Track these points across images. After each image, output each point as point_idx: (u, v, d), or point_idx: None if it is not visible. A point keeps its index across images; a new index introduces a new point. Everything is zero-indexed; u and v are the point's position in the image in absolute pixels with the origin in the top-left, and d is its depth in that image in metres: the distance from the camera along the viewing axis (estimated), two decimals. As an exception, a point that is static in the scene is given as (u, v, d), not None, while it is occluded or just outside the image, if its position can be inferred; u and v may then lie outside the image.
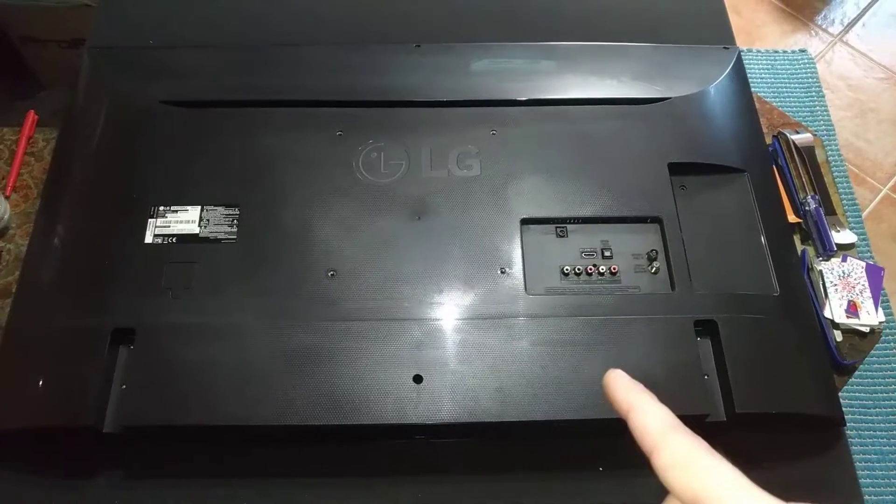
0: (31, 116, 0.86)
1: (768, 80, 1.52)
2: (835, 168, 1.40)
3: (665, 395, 0.62)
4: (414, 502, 0.63)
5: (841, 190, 1.41)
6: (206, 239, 0.68)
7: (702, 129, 0.79)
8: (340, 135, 0.74)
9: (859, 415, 1.33)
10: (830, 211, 0.82)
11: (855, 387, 1.35)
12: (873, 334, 0.77)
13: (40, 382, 0.60)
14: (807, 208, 0.82)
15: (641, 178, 0.74)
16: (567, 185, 0.73)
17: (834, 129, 1.47)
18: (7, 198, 0.79)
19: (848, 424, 0.67)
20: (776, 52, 1.61)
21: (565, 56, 0.83)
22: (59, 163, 0.76)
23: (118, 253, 0.67)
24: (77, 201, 0.71)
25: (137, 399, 0.60)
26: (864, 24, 1.69)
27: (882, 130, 1.51)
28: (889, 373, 1.37)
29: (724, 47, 0.87)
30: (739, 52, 0.86)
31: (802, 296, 0.73)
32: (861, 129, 1.50)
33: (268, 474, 0.63)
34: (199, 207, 0.70)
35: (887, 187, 1.46)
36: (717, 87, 0.81)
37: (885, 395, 1.36)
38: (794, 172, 0.84)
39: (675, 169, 0.74)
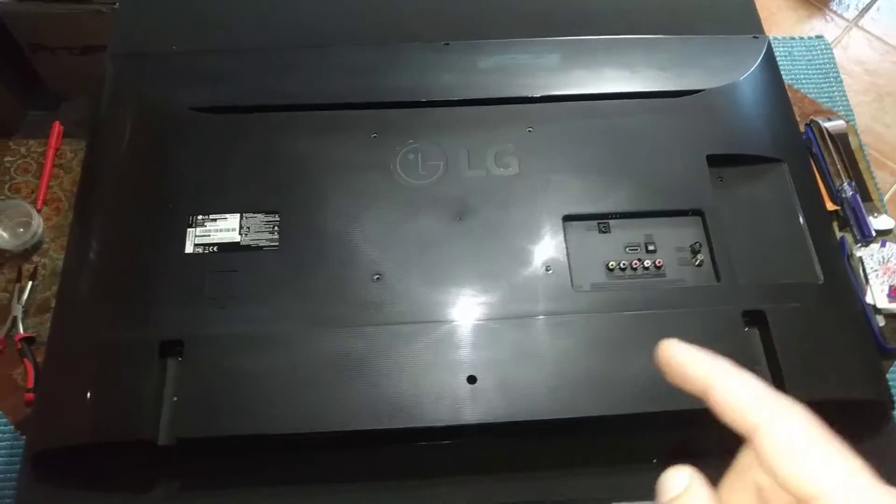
0: (57, 128, 0.86)
1: (786, 68, 1.50)
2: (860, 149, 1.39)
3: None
4: (472, 501, 0.62)
5: (869, 165, 1.40)
6: (248, 247, 0.67)
7: (737, 121, 0.78)
8: (375, 137, 0.74)
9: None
10: (867, 197, 0.82)
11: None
12: (916, 319, 0.77)
13: (92, 398, 0.60)
14: (843, 195, 0.81)
15: (680, 171, 0.73)
16: (606, 180, 0.72)
17: (853, 115, 1.46)
18: (38, 211, 0.79)
19: None
20: (793, 39, 1.60)
21: (596, 51, 0.82)
22: (90, 174, 0.75)
23: (159, 264, 0.67)
24: (112, 213, 0.71)
25: (191, 411, 0.59)
26: (878, 8, 1.67)
27: (900, 113, 1.50)
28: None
29: (754, 37, 0.86)
30: (769, 42, 0.86)
31: (845, 282, 0.72)
32: (879, 112, 1.49)
33: (323, 481, 0.62)
34: (239, 215, 0.69)
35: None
36: (749, 77, 0.81)
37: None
38: (828, 160, 0.84)
39: (713, 161, 0.74)
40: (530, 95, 0.78)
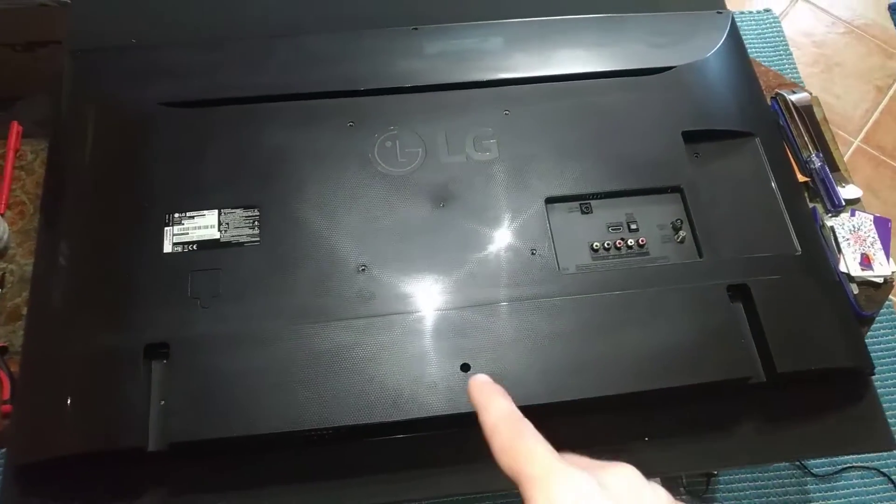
0: (16, 128, 0.83)
1: (738, 42, 1.54)
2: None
3: (707, 361, 0.64)
4: (471, 487, 0.62)
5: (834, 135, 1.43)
6: (229, 243, 0.66)
7: (709, 96, 0.79)
8: (352, 125, 0.73)
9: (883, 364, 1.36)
10: (834, 167, 0.83)
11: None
12: (887, 284, 0.79)
13: (76, 406, 0.58)
14: (812, 166, 0.83)
15: (657, 148, 0.74)
16: (585, 160, 0.72)
17: (805, 86, 1.49)
18: (2, 215, 0.76)
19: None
20: (742, 13, 1.63)
21: (566, 30, 0.82)
22: (56, 175, 0.72)
23: (137, 265, 0.65)
24: (83, 215, 0.68)
25: (181, 414, 0.58)
26: (823, -20, 1.72)
27: (848, 85, 1.54)
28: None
29: (718, 12, 0.87)
30: (733, 16, 0.87)
31: (821, 252, 0.74)
32: (828, 84, 1.53)
33: (321, 478, 0.61)
34: (217, 211, 0.67)
35: (858, 139, 1.49)
36: (717, 52, 0.82)
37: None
38: (795, 132, 0.86)
39: (688, 137, 0.75)
40: (504, 77, 0.77)
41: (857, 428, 0.69)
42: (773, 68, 1.53)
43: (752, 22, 1.60)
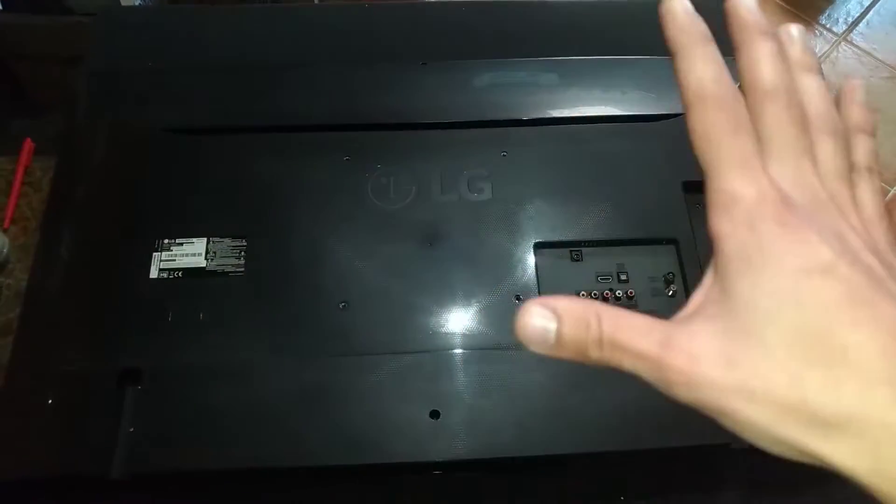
0: (28, 145, 0.85)
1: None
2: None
3: (687, 424, 0.61)
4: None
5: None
6: (214, 272, 0.66)
7: (715, 145, 0.77)
8: (348, 160, 0.73)
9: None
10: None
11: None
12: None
13: (43, 429, 0.59)
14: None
15: (655, 197, 0.72)
16: (580, 206, 0.71)
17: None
18: (5, 230, 0.78)
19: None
20: (780, 53, 1.59)
21: (572, 72, 0.81)
22: (58, 194, 0.73)
23: (123, 289, 0.66)
24: (78, 235, 0.69)
25: (147, 444, 0.58)
26: (867, 23, 1.67)
27: (888, 131, 1.49)
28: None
29: (733, 57, 0.85)
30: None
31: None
32: (867, 129, 1.49)
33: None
34: (206, 240, 0.68)
35: (895, 189, 1.44)
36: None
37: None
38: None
39: (691, 187, 0.73)
40: (504, 118, 0.76)
41: (852, 496, 0.66)
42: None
43: (792, 62, 1.57)
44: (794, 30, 0.33)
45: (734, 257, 0.26)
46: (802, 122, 0.29)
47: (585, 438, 0.60)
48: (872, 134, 0.32)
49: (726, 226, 0.26)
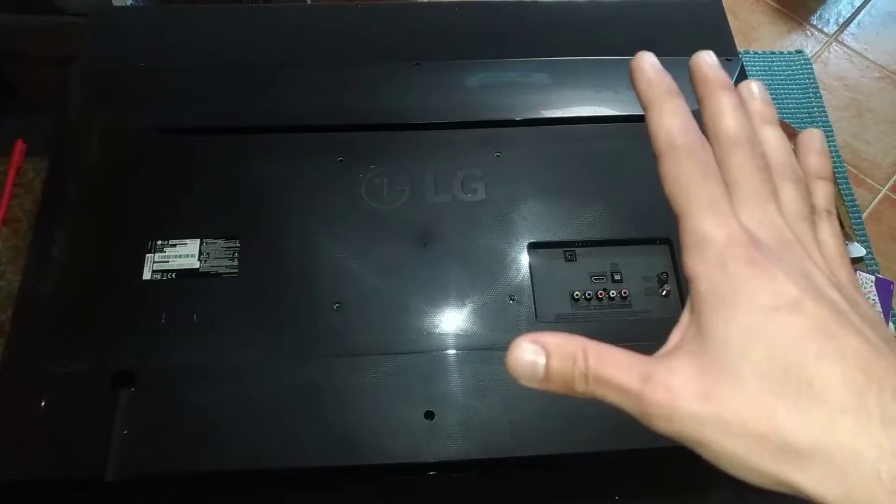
0: (20, 146, 0.84)
1: (766, 82, 1.50)
2: (834, 170, 1.39)
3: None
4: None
5: (841, 191, 1.40)
6: (207, 274, 0.66)
7: (708, 145, 0.77)
8: (342, 160, 0.73)
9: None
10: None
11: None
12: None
13: (37, 431, 0.58)
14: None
15: (649, 197, 0.72)
16: (574, 206, 0.71)
17: (833, 130, 1.46)
18: (-2, 231, 0.78)
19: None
20: (773, 53, 1.60)
21: (567, 73, 0.81)
22: (51, 195, 0.73)
23: (116, 290, 0.65)
24: (71, 236, 0.69)
25: (140, 446, 0.58)
26: (858, 23, 1.68)
27: (879, 131, 1.50)
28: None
29: (727, 59, 0.85)
30: (742, 64, 0.85)
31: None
32: (859, 129, 1.49)
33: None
34: (199, 241, 0.68)
35: (886, 188, 1.45)
36: (721, 100, 0.80)
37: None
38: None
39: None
40: (498, 119, 0.76)
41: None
42: (801, 110, 1.50)
43: (783, 63, 1.57)
44: (754, 85, 0.35)
45: (708, 296, 0.27)
46: (766, 168, 0.30)
47: (579, 439, 0.60)
48: (831, 179, 0.35)
49: (700, 266, 0.28)
